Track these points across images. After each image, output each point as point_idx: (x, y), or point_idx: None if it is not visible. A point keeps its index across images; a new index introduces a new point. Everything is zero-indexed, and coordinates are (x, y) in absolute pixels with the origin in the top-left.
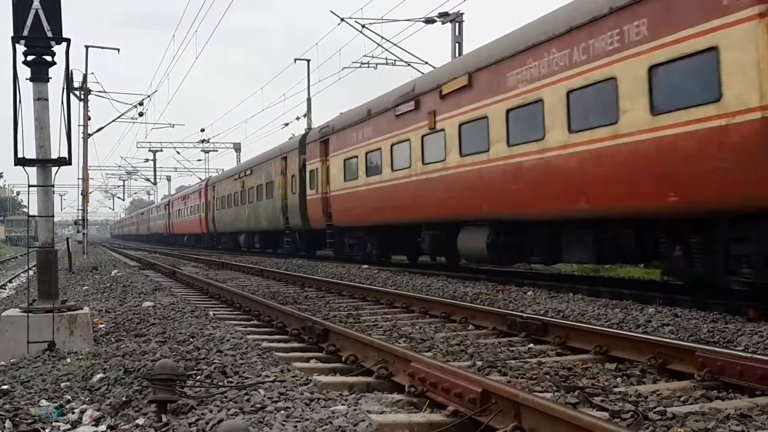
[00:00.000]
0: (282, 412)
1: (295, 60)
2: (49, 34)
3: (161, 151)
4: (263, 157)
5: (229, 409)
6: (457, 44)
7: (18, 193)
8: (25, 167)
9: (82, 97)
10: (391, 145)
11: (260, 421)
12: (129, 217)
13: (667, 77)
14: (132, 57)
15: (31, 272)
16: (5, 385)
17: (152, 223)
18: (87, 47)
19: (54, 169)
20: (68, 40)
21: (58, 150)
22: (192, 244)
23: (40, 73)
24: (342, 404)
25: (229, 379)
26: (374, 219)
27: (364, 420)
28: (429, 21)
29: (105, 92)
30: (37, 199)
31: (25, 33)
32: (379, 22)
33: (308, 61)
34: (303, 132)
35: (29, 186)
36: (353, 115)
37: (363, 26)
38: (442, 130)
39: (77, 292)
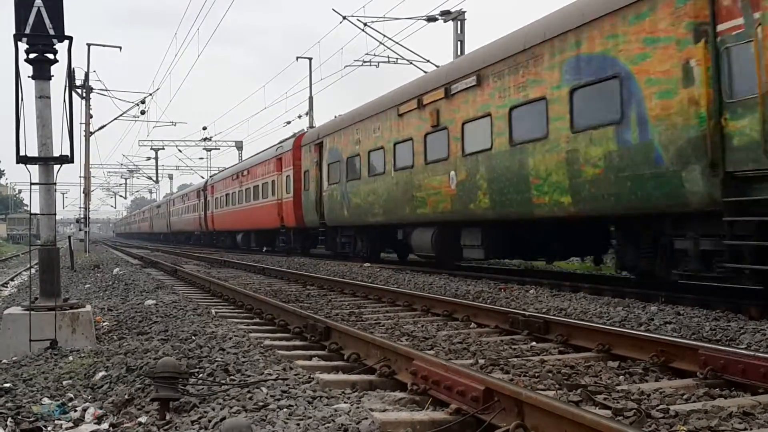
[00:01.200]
0: (284, 410)
1: (297, 58)
2: (51, 32)
3: (163, 149)
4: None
5: (231, 407)
6: (459, 42)
7: (20, 191)
8: (27, 165)
9: (84, 95)
10: None
11: (263, 419)
12: (139, 211)
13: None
14: (134, 55)
15: (33, 270)
16: (7, 383)
17: (176, 218)
18: (89, 45)
19: (56, 166)
20: (70, 38)
21: (60, 148)
22: (252, 248)
23: (42, 71)
24: (344, 402)
25: (232, 377)
26: None
27: (366, 418)
28: (431, 19)
29: (107, 90)
30: (39, 197)
31: (27, 31)
32: (380, 20)
33: (310, 59)
34: None
35: (31, 184)
36: None
37: (365, 24)
38: None
39: (79, 290)
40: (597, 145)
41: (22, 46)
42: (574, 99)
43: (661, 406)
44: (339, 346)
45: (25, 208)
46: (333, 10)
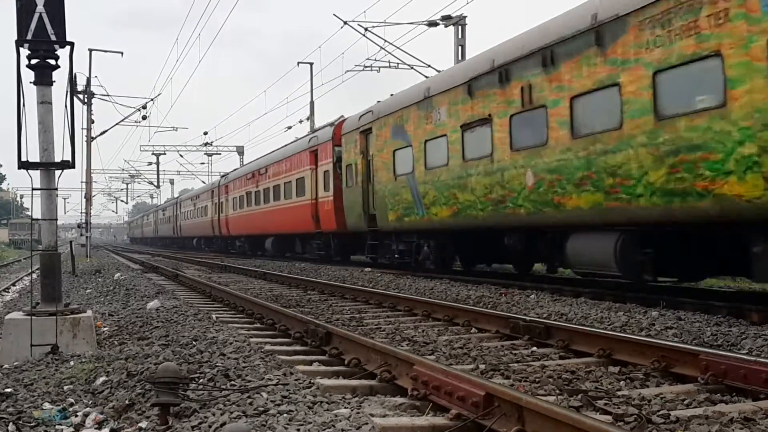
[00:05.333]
0: (285, 415)
1: (298, 63)
2: (53, 38)
3: (164, 154)
4: None
5: (231, 413)
6: (460, 47)
7: (21, 197)
8: (29, 170)
9: (86, 100)
10: None
11: (263, 425)
12: (192, 195)
13: None
14: (134, 57)
15: (34, 275)
16: (8, 388)
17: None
18: (90, 50)
19: (57, 172)
20: (72, 44)
21: (61, 153)
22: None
23: (43, 77)
24: (345, 407)
25: (232, 382)
26: None
27: (366, 423)
28: (432, 24)
29: (108, 95)
30: (40, 202)
31: (29, 37)
32: (381, 25)
33: (311, 64)
34: None
35: (33, 189)
36: None
37: (366, 29)
38: None
39: (80, 295)
40: None
41: (24, 51)
42: None
43: (662, 412)
44: (339, 351)
45: (27, 213)
46: (334, 15)
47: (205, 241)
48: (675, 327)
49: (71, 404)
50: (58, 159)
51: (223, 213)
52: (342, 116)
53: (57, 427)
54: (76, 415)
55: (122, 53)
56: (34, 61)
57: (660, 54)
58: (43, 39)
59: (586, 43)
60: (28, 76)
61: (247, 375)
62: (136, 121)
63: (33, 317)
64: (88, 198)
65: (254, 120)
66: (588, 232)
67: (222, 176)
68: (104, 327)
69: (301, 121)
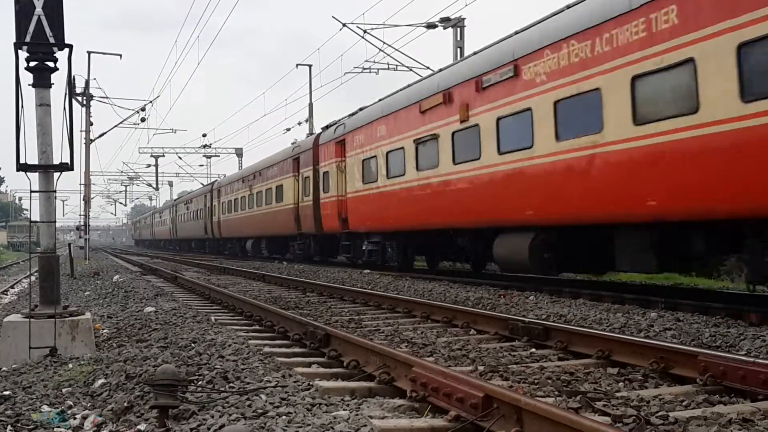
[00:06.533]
0: (284, 417)
1: (297, 65)
2: (52, 41)
3: (163, 156)
4: None
5: (230, 415)
6: (458, 49)
7: (20, 199)
8: (27, 173)
9: (84, 102)
10: None
11: (262, 427)
12: (243, 176)
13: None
14: (132, 61)
15: (33, 278)
16: (7, 390)
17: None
18: (89, 53)
19: (56, 174)
20: (70, 46)
21: (60, 155)
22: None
23: (42, 79)
24: (344, 409)
25: (231, 384)
26: None
27: (365, 425)
28: (430, 26)
29: (107, 98)
30: (39, 204)
31: (28, 39)
32: (380, 27)
33: (310, 66)
34: None
35: (31, 191)
36: None
37: (365, 31)
38: None
39: (79, 297)
40: None
41: (23, 54)
42: None
43: (660, 413)
44: (338, 353)
45: (25, 215)
46: (333, 17)
47: (270, 243)
48: (674, 328)
49: (70, 407)
50: (56, 161)
51: (328, 192)
52: None
53: (56, 429)
54: (75, 418)
55: (121, 56)
56: (32, 64)
57: None
58: (41, 41)
59: None
60: (27, 78)
61: (245, 377)
62: (134, 124)
63: (31, 319)
64: (87, 200)
65: (253, 122)
66: None
67: (325, 128)
68: (103, 329)
69: (300, 123)
